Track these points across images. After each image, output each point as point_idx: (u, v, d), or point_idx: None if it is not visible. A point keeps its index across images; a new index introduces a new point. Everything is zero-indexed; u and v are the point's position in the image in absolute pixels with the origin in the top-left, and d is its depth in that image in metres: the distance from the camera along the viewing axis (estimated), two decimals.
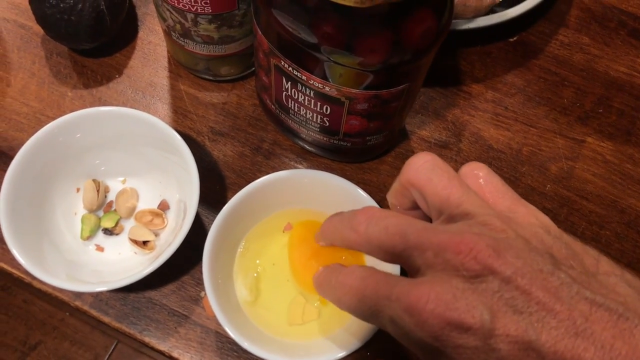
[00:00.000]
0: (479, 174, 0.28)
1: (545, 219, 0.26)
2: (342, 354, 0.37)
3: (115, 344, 1.20)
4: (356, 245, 0.28)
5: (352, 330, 0.40)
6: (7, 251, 0.44)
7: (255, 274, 0.42)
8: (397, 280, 0.25)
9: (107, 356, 1.19)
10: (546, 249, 0.24)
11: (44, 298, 1.20)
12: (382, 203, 0.45)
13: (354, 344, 0.38)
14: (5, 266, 0.44)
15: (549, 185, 0.49)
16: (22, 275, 0.44)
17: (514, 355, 0.22)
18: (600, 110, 0.52)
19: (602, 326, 0.22)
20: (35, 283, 0.44)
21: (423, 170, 0.27)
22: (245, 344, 0.37)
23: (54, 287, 0.44)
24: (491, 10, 0.52)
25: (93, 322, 1.20)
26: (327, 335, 0.41)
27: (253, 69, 0.51)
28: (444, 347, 0.23)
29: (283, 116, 0.46)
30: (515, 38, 0.55)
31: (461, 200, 0.26)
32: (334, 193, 0.43)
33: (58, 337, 1.20)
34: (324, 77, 0.37)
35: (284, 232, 0.44)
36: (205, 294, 0.44)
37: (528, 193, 0.49)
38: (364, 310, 0.27)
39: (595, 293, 0.23)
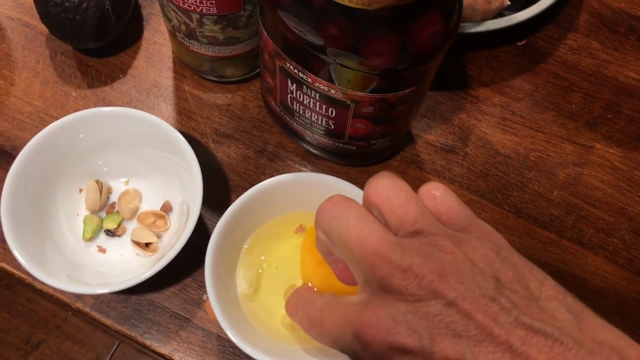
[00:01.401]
0: (435, 193, 0.29)
1: (498, 239, 0.27)
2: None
3: (117, 343, 1.20)
4: (320, 234, 0.29)
5: None
6: (9, 251, 0.44)
7: (260, 270, 0.42)
8: (349, 306, 0.27)
9: (109, 356, 1.19)
10: (492, 272, 0.25)
11: (47, 297, 1.20)
12: None
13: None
14: (6, 266, 0.44)
15: (556, 192, 0.49)
16: (23, 276, 0.44)
17: None
18: (609, 116, 0.52)
19: (538, 350, 0.22)
20: (36, 284, 0.43)
21: (381, 189, 0.28)
22: (248, 349, 0.37)
23: (55, 289, 0.43)
24: (499, 14, 0.51)
25: (96, 321, 1.20)
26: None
27: (258, 70, 0.50)
28: None
29: (288, 118, 0.45)
30: (523, 42, 0.55)
31: (416, 218, 0.27)
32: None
33: (60, 336, 1.20)
34: (330, 80, 0.37)
35: (296, 233, 0.43)
36: (208, 297, 0.44)
37: (535, 199, 0.48)
38: (324, 340, 0.28)
39: (533, 318, 0.23)
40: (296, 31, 0.35)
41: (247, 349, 0.37)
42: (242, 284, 0.42)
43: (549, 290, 0.25)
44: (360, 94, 0.37)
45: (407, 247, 0.25)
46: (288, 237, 0.44)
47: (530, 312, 0.24)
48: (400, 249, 0.25)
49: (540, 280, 0.25)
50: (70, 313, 1.20)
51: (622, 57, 0.54)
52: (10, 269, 0.44)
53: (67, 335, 1.19)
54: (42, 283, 0.43)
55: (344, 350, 0.27)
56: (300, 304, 0.32)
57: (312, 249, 0.42)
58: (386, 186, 0.28)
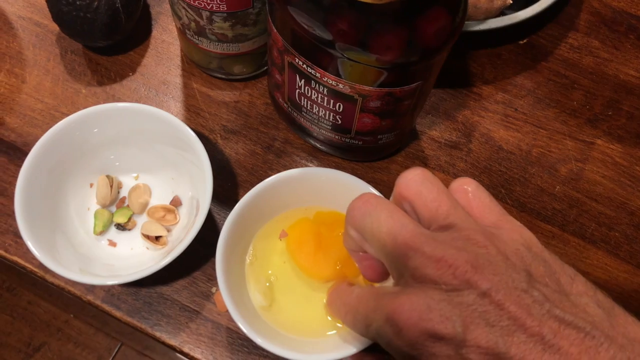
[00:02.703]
0: (467, 188, 0.29)
1: (529, 236, 0.27)
2: (354, 349, 0.38)
3: (119, 346, 1.20)
4: (352, 231, 0.30)
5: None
6: (21, 245, 0.45)
7: (267, 284, 0.42)
8: (384, 294, 0.27)
9: (110, 358, 1.19)
10: (524, 267, 0.25)
11: (48, 299, 1.21)
12: None
13: (359, 343, 0.38)
14: (19, 260, 0.45)
15: (558, 187, 0.50)
16: (35, 269, 0.44)
17: None
18: (610, 113, 0.53)
19: (569, 342, 0.23)
20: (48, 277, 0.44)
21: (413, 183, 0.28)
22: (259, 340, 0.37)
23: (66, 281, 0.44)
24: (501, 13, 0.52)
25: (97, 323, 1.20)
26: (339, 331, 0.41)
27: (265, 68, 0.51)
28: (419, 355, 0.25)
29: (295, 114, 0.46)
30: (525, 40, 0.55)
31: (449, 212, 0.27)
32: (346, 191, 0.43)
33: (62, 338, 1.20)
34: (338, 75, 0.38)
35: (280, 239, 0.44)
36: (217, 289, 0.44)
37: (537, 194, 0.49)
38: (358, 326, 0.29)
39: (565, 312, 0.24)
40: (305, 26, 0.36)
41: (258, 340, 0.37)
42: (256, 296, 0.42)
43: (580, 286, 0.25)
44: (367, 88, 0.38)
45: (440, 239, 0.26)
46: (276, 244, 0.43)
47: (562, 306, 0.24)
48: (433, 241, 0.26)
49: (570, 276, 0.26)
50: (71, 315, 1.20)
51: (622, 55, 0.55)
52: (22, 262, 0.45)
53: (69, 338, 1.20)
54: (54, 276, 0.44)
55: (375, 337, 0.27)
56: (339, 294, 0.33)
57: (300, 248, 0.42)
58: (418, 181, 0.28)
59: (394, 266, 0.27)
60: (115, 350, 1.20)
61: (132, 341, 1.19)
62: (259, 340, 0.37)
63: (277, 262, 0.43)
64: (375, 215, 0.28)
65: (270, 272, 0.43)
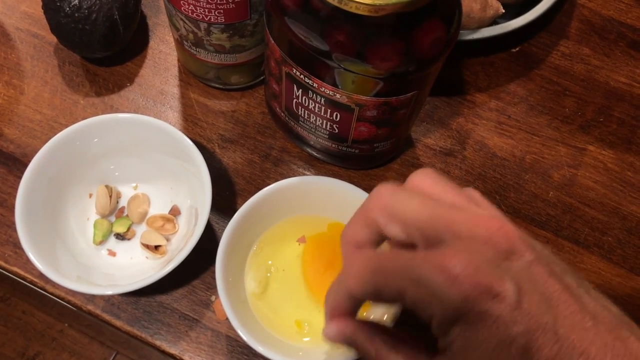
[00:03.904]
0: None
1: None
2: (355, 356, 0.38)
3: (114, 355, 1.20)
4: (381, 218, 0.28)
5: None
6: (21, 255, 0.45)
7: (268, 274, 0.43)
8: (423, 250, 0.26)
9: None
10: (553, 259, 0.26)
11: (43, 309, 1.20)
12: None
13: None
14: (18, 270, 0.45)
15: (551, 192, 0.50)
16: (36, 280, 0.45)
17: (532, 332, 0.23)
18: (601, 119, 0.54)
19: (606, 328, 0.24)
20: (48, 287, 0.44)
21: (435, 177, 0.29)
22: (260, 349, 0.38)
23: (66, 291, 0.44)
24: (494, 22, 0.53)
25: (92, 333, 1.20)
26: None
27: (262, 77, 0.52)
28: (469, 310, 0.23)
29: (292, 123, 0.47)
30: (517, 49, 0.56)
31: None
32: (343, 199, 0.44)
33: (57, 348, 1.19)
34: (335, 85, 0.38)
35: (298, 244, 0.44)
36: (216, 297, 0.45)
37: (531, 200, 0.50)
38: (378, 279, 0.26)
39: (596, 300, 0.25)
40: (303, 37, 0.36)
41: (260, 348, 0.38)
42: (251, 283, 0.43)
43: (594, 293, 0.26)
44: (364, 97, 0.39)
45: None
46: (292, 242, 0.45)
47: (592, 295, 0.25)
48: (477, 206, 0.27)
49: (587, 286, 0.26)
50: (66, 325, 1.20)
51: (612, 62, 0.56)
52: (22, 272, 0.45)
53: (64, 347, 1.19)
54: (54, 286, 0.44)
55: (398, 289, 0.25)
56: (358, 256, 0.29)
57: (313, 260, 0.44)
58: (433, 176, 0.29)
59: (433, 233, 0.26)
60: (110, 359, 1.20)
61: (127, 350, 1.19)
62: (260, 349, 0.38)
63: (289, 257, 0.44)
64: (406, 192, 0.28)
65: (270, 262, 0.44)
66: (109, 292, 0.41)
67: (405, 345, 0.28)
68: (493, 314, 0.23)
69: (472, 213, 0.26)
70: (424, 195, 0.28)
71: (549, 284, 0.24)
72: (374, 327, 0.30)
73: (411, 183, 0.29)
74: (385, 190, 0.28)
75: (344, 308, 0.29)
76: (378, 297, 0.27)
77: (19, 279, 0.46)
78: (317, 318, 0.43)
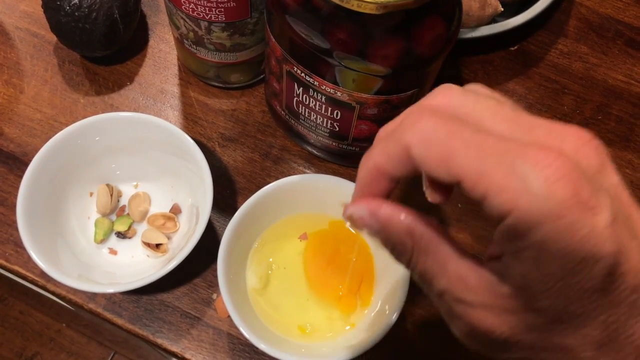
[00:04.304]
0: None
1: None
2: (348, 356, 0.38)
3: (112, 355, 1.20)
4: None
5: (357, 334, 0.41)
6: (22, 254, 0.45)
7: (269, 271, 0.43)
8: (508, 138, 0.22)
9: None
10: None
11: (40, 309, 1.20)
12: None
13: (359, 348, 0.39)
14: (19, 269, 0.45)
15: None
16: (37, 278, 0.45)
17: (620, 255, 0.21)
18: (600, 117, 0.54)
19: None
20: (49, 285, 0.44)
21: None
22: (262, 346, 0.38)
23: (68, 289, 0.44)
24: (493, 20, 0.53)
25: (90, 332, 1.20)
26: (334, 338, 0.42)
27: (262, 76, 0.52)
28: (562, 215, 0.20)
29: (293, 122, 0.47)
30: (516, 47, 0.57)
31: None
32: (344, 197, 0.44)
33: (55, 348, 1.19)
34: (336, 83, 0.38)
35: (300, 240, 0.45)
36: (217, 295, 0.45)
37: None
38: (455, 144, 0.22)
39: None
40: (304, 36, 0.36)
41: (262, 346, 0.38)
42: (252, 278, 0.43)
43: None
44: (365, 95, 0.39)
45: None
46: (294, 239, 0.45)
47: None
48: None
49: None
50: (64, 325, 1.20)
51: (610, 60, 0.56)
52: (23, 271, 0.45)
53: (62, 348, 1.19)
54: (55, 284, 0.44)
55: (502, 181, 0.21)
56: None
57: (315, 256, 0.44)
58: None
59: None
60: (109, 359, 1.20)
61: (125, 350, 1.19)
62: (263, 346, 0.38)
63: (290, 255, 0.44)
64: (457, 144, 0.22)
65: (271, 259, 0.44)
66: (110, 290, 0.41)
67: (455, 246, 0.24)
68: (586, 226, 0.20)
69: (560, 124, 0.22)
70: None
71: (632, 209, 0.22)
72: (417, 214, 0.24)
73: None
74: (433, 143, 0.22)
75: (379, 188, 0.24)
76: (439, 170, 0.22)
77: (19, 278, 0.46)
78: (318, 317, 0.43)
